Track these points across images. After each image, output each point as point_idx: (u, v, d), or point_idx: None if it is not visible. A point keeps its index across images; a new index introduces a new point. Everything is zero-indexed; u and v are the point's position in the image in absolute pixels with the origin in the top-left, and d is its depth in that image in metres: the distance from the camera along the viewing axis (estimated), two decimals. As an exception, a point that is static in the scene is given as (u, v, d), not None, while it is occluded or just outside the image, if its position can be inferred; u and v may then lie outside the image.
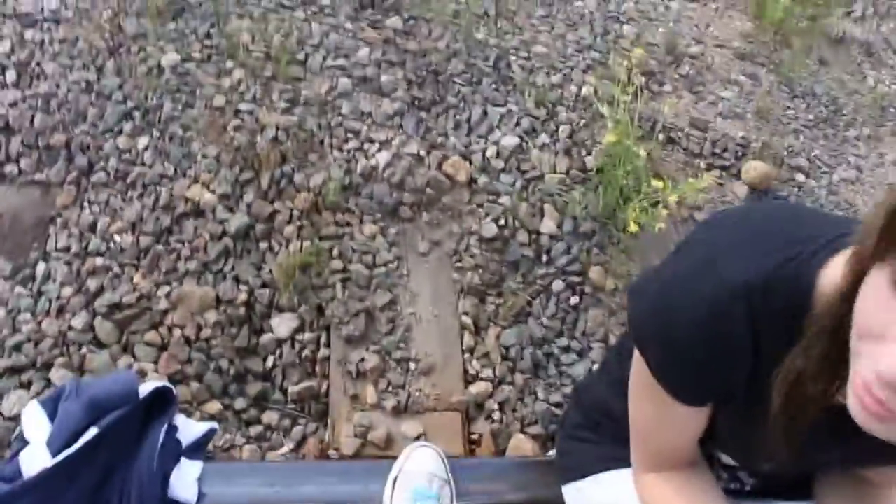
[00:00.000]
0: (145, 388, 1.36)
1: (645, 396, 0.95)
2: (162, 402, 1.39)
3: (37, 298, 1.75)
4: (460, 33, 2.42)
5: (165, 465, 1.34)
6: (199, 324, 1.77)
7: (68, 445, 1.26)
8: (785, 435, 0.85)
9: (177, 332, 1.75)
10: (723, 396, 0.86)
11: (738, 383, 0.83)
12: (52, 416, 1.31)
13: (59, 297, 1.75)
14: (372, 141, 2.13)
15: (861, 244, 0.69)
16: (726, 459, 1.09)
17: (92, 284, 1.75)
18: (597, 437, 1.20)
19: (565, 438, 1.24)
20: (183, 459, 1.39)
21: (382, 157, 2.09)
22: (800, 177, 2.44)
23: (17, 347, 1.68)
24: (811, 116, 2.64)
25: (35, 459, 1.26)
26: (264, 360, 1.81)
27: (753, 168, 2.34)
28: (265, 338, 1.82)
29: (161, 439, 1.34)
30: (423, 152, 2.13)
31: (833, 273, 0.74)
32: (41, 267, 1.78)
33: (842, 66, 2.86)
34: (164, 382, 1.38)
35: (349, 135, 2.12)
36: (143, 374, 1.72)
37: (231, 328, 1.80)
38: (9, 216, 1.85)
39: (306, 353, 1.83)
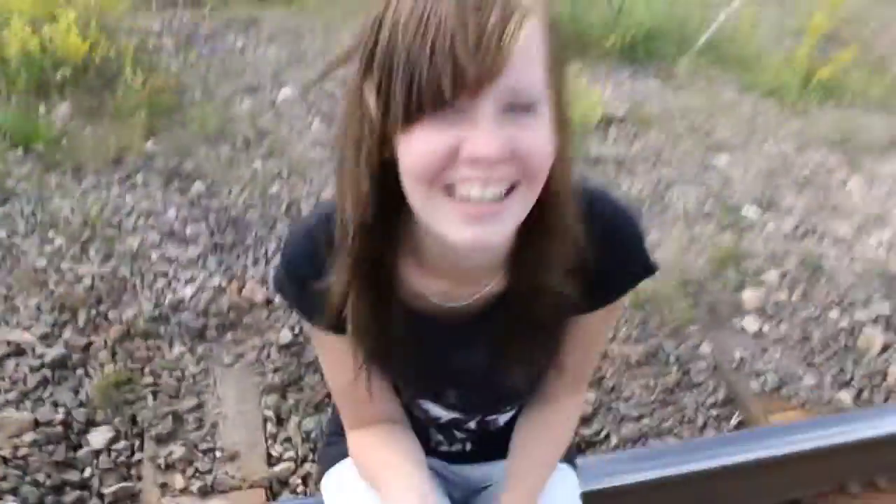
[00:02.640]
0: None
1: (319, 353, 1.22)
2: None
3: None
4: (256, 190, 2.86)
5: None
6: (16, 444, 1.99)
7: None
8: (383, 353, 1.13)
9: (-6, 456, 1.96)
10: (337, 320, 1.06)
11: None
12: None
13: None
14: (178, 279, 2.47)
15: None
16: (437, 413, 1.29)
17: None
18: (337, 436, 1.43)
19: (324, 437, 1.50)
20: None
21: (188, 291, 2.43)
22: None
23: None
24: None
25: None
26: (81, 470, 2.02)
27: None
28: (82, 451, 2.05)
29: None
30: (224, 283, 2.48)
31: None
32: None
33: (601, 179, 3.42)
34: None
35: (158, 277, 2.47)
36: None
37: (48, 446, 2.02)
38: None
39: (121, 458, 2.06)
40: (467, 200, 0.84)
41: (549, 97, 0.86)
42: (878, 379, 2.72)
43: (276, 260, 1.16)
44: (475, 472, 1.41)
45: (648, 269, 1.12)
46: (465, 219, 0.85)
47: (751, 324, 2.82)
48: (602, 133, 3.79)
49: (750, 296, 2.91)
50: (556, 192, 0.93)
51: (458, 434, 1.36)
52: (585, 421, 2.39)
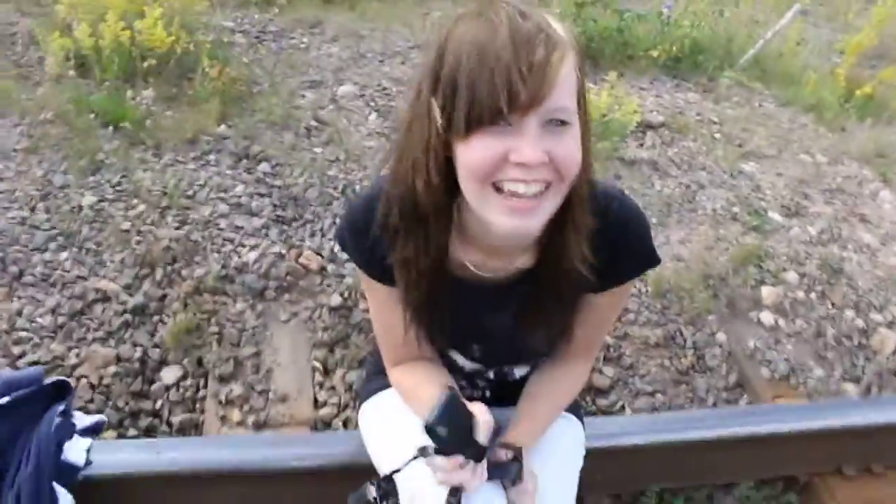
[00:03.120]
0: (49, 379, 1.90)
1: (369, 299, 1.50)
2: (62, 392, 1.92)
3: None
4: (315, 172, 3.15)
5: (60, 436, 1.84)
6: (101, 374, 2.30)
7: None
8: (432, 311, 1.38)
9: (83, 381, 2.27)
10: (388, 274, 1.37)
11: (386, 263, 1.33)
12: (-22, 390, 1.82)
13: (-10, 362, 2.28)
14: (244, 246, 2.77)
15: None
16: (462, 363, 1.56)
17: (16, 350, 2.29)
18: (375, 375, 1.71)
19: (364, 377, 1.77)
20: (76, 436, 1.89)
21: (252, 256, 2.73)
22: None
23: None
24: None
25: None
26: (154, 401, 2.32)
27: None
28: (155, 385, 2.34)
29: (57, 417, 1.86)
30: (283, 251, 2.77)
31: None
32: (-22, 340, 2.33)
33: (634, 179, 3.64)
34: (64, 378, 1.92)
35: (226, 242, 2.77)
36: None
37: (127, 378, 2.32)
38: (-46, 311, 2.41)
39: (188, 394, 2.35)
40: (512, 196, 1.10)
41: (579, 116, 1.12)
42: (888, 377, 2.87)
43: (338, 223, 1.42)
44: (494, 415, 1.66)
45: (652, 260, 1.38)
46: (509, 211, 1.11)
47: (767, 318, 3.00)
48: (640, 137, 4.00)
49: (769, 292, 3.09)
50: (578, 191, 1.19)
51: (479, 382, 1.61)
52: (603, 393, 2.60)
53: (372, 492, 1.32)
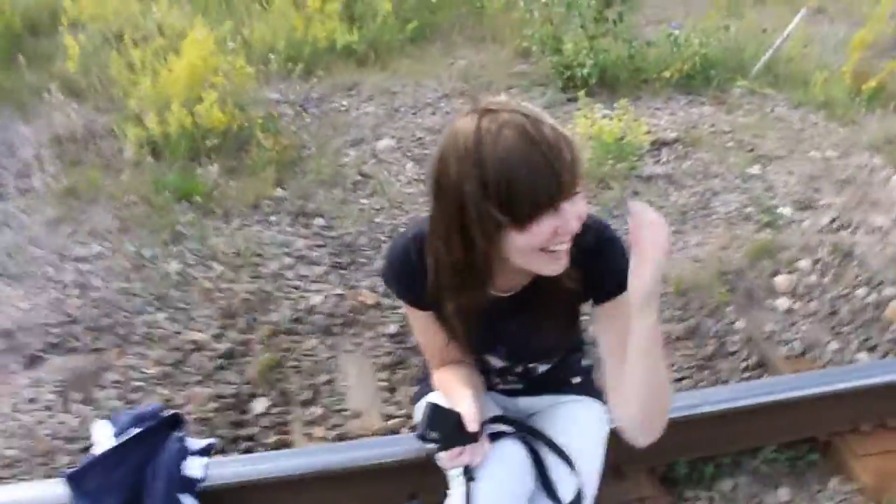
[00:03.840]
0: (166, 412, 2.34)
1: (411, 320, 1.87)
2: (178, 422, 2.35)
3: (96, 412, 2.72)
4: (364, 221, 3.59)
5: (180, 456, 2.26)
6: (204, 410, 2.73)
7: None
8: (461, 326, 1.67)
9: (189, 417, 2.70)
10: (426, 302, 1.69)
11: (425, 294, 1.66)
12: (114, 424, 2.27)
13: (114, 412, 2.73)
14: (309, 291, 3.21)
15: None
16: (494, 363, 1.87)
17: (133, 397, 2.74)
18: (423, 381, 2.08)
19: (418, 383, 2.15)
20: (191, 456, 2.31)
21: (317, 299, 3.16)
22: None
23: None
24: (625, 227, 3.71)
25: (103, 445, 2.20)
26: (250, 429, 2.74)
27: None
28: (249, 415, 2.76)
29: (176, 442, 2.28)
30: (343, 292, 3.20)
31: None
32: (100, 394, 2.77)
33: (651, 193, 3.99)
34: (177, 410, 2.35)
35: (293, 290, 3.21)
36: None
37: (225, 411, 2.75)
38: (77, 372, 2.88)
39: (277, 419, 2.76)
40: (555, 252, 1.43)
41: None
42: (902, 343, 3.13)
43: (382, 263, 1.75)
44: (524, 402, 1.96)
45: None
46: (552, 261, 1.44)
47: (783, 303, 3.29)
48: (656, 154, 4.35)
49: (782, 280, 3.39)
50: None
51: (510, 378, 1.92)
52: (635, 384, 2.93)
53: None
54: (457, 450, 1.57)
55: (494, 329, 1.74)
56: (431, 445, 1.56)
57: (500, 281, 1.62)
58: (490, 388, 1.91)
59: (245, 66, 4.47)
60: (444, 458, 1.60)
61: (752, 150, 4.45)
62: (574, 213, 1.39)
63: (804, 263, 3.49)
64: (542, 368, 1.89)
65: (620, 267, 1.48)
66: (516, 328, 1.72)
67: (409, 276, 1.63)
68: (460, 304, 1.60)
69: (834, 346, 3.09)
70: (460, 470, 1.64)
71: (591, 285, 1.61)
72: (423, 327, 1.77)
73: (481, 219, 1.37)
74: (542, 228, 1.37)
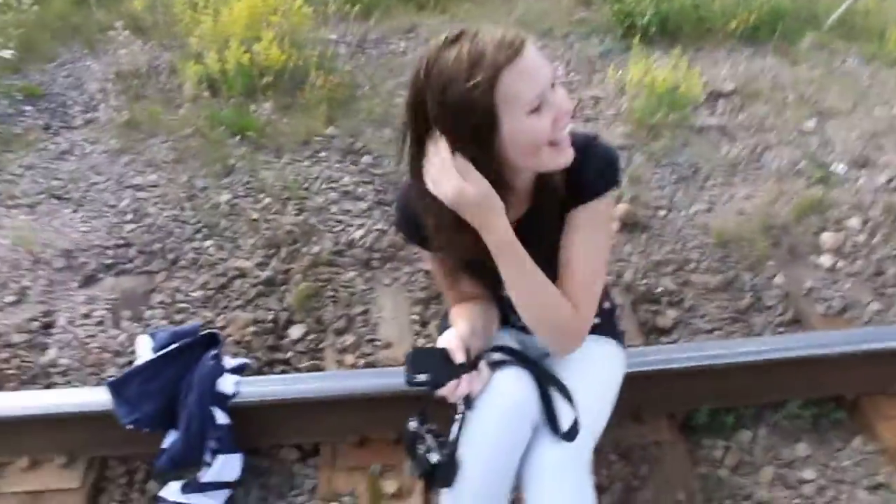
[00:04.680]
0: (203, 331, 2.46)
1: (424, 260, 1.94)
2: (214, 341, 2.47)
3: (144, 329, 2.88)
4: (411, 159, 3.65)
5: (214, 373, 2.39)
6: (243, 333, 2.86)
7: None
8: (467, 265, 1.78)
9: (229, 339, 2.84)
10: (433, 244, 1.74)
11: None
12: (154, 339, 2.41)
13: (158, 328, 2.88)
14: (352, 225, 3.30)
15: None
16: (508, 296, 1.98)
17: (177, 317, 2.89)
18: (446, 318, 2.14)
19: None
20: (226, 374, 2.43)
21: (359, 233, 3.25)
22: (662, 212, 3.46)
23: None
24: (674, 177, 3.69)
25: (143, 358, 2.34)
26: (285, 353, 2.86)
27: (618, 209, 3.38)
28: (285, 340, 2.88)
29: (211, 360, 2.41)
30: (385, 228, 3.28)
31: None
32: (147, 313, 2.94)
33: (702, 145, 3.93)
34: (215, 330, 2.48)
35: (337, 223, 3.30)
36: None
37: (263, 335, 2.87)
38: (128, 292, 3.04)
39: (311, 346, 2.87)
40: (559, 144, 1.49)
41: None
42: (950, 308, 3.05)
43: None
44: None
45: (614, 181, 1.66)
46: (560, 153, 1.51)
47: (826, 260, 3.22)
48: (712, 106, 4.27)
49: (828, 237, 3.31)
50: None
51: None
52: (664, 332, 2.94)
53: (414, 425, 1.67)
54: (453, 383, 1.59)
55: None
56: (422, 388, 1.56)
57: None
58: (508, 324, 1.96)
59: (303, 5, 4.52)
60: (442, 394, 1.61)
61: (813, 105, 4.32)
62: (560, 97, 1.48)
63: (853, 222, 3.42)
64: None
65: (600, 167, 1.62)
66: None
67: (414, 220, 1.68)
68: (462, 239, 1.60)
69: (875, 306, 3.03)
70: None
71: (573, 187, 1.63)
72: (437, 267, 1.84)
73: (476, 129, 1.45)
74: (543, 122, 1.45)
